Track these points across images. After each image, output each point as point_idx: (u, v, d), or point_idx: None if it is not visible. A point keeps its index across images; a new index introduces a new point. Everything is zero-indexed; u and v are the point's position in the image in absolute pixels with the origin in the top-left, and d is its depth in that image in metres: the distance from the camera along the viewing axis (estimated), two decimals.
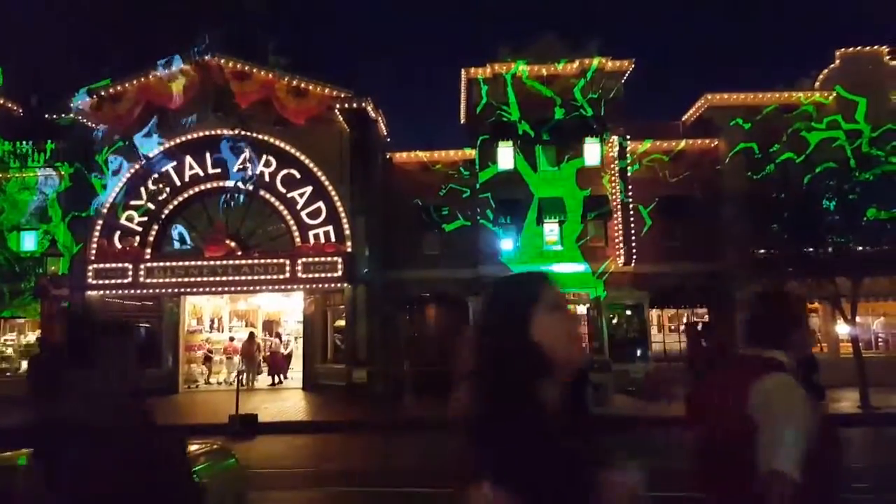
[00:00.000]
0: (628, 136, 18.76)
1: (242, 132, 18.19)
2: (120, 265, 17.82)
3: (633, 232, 18.60)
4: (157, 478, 2.07)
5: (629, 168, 18.74)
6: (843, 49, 19.10)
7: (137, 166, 18.31)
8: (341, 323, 18.67)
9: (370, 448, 11.92)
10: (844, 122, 17.82)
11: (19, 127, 19.33)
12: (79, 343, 2.22)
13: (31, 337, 19.59)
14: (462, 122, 22.54)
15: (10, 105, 19.42)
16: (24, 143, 18.89)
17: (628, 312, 18.21)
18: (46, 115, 18.05)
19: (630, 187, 18.66)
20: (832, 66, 19.32)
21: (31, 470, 4.00)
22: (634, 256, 18.53)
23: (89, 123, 18.28)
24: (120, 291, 18.01)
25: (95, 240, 18.03)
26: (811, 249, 17.00)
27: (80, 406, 2.04)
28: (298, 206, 18.16)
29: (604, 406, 13.66)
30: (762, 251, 18.28)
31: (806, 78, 19.63)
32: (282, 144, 18.26)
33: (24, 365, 19.35)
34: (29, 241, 18.95)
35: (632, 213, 18.64)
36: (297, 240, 18.14)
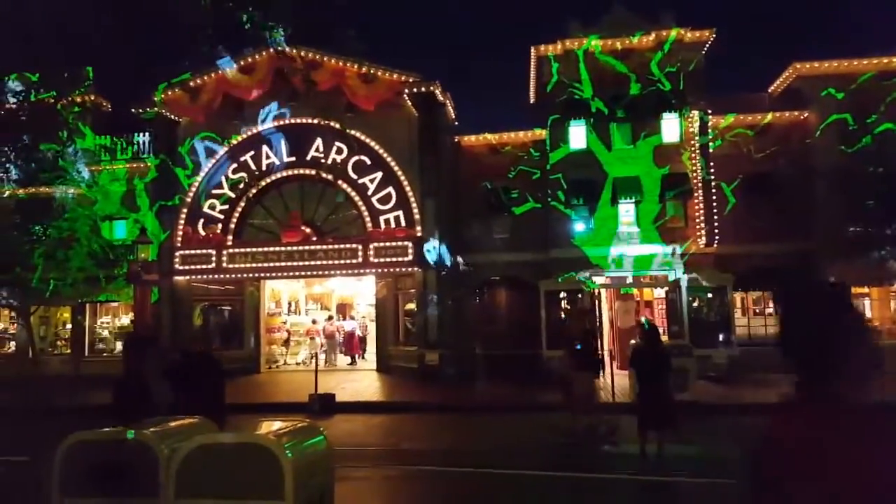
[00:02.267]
0: (710, 111, 17.82)
1: (313, 120, 18.53)
2: (204, 251, 18.61)
3: (715, 211, 17.74)
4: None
5: (711, 144, 17.84)
6: None
7: (218, 156, 19.00)
8: (412, 306, 18.85)
9: (445, 429, 12.00)
10: None
11: (109, 122, 20.44)
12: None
13: (125, 319, 20.86)
14: (531, 101, 22.07)
15: (100, 101, 20.51)
16: (113, 136, 19.97)
17: (710, 295, 17.42)
18: (132, 110, 18.97)
19: (712, 164, 17.78)
20: None
21: (140, 442, 4.21)
22: (717, 237, 17.69)
23: (172, 116, 19.09)
24: (204, 276, 18.84)
25: (181, 227, 18.89)
26: None
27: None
28: (369, 192, 18.36)
29: (685, 392, 13.15)
30: (856, 229, 17.13)
31: None
32: (352, 131, 18.46)
33: (119, 344, 20.67)
34: (120, 230, 20.09)
35: (714, 191, 17.77)
36: (369, 225, 18.37)
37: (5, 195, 18.80)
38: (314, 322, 21.39)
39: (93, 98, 19.58)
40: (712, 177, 17.80)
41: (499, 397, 14.96)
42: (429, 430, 11.91)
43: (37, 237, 17.78)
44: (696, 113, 17.68)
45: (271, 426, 4.77)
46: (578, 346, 10.42)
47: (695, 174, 17.75)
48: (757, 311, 19.17)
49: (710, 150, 17.87)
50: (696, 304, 17.53)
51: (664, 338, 16.75)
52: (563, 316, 17.51)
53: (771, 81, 19.44)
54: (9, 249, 17.14)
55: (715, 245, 17.74)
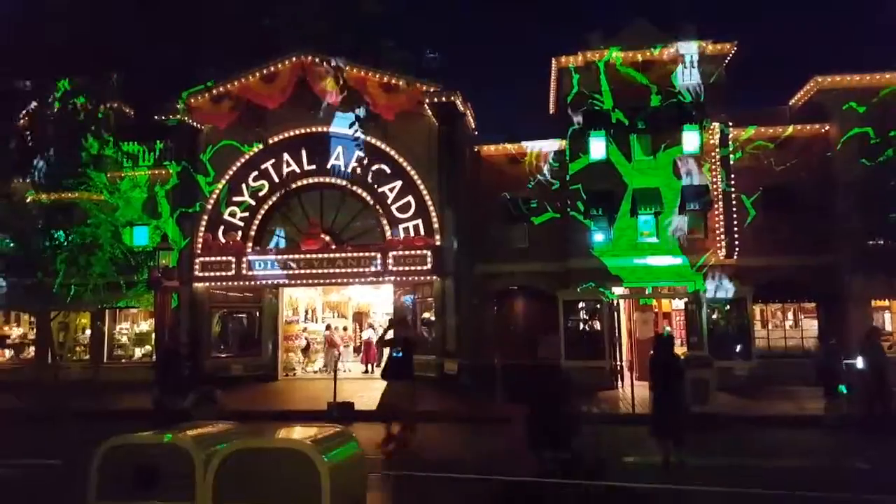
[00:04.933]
0: (730, 123, 17.84)
1: (334, 129, 18.66)
2: (224, 258, 18.73)
3: (735, 223, 17.71)
4: None
5: (731, 156, 17.84)
6: None
7: (238, 164, 19.15)
8: (428, 315, 18.88)
9: (467, 438, 12.03)
10: None
11: (131, 129, 20.62)
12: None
13: (144, 326, 20.97)
14: (551, 112, 22.15)
15: (122, 108, 20.72)
16: (135, 143, 20.16)
17: (729, 307, 17.35)
18: (155, 117, 19.15)
19: (732, 176, 17.77)
20: None
21: (176, 447, 4.22)
22: (737, 249, 17.65)
23: (194, 123, 19.28)
24: (224, 283, 18.93)
25: (201, 234, 19.03)
26: None
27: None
28: (389, 201, 18.45)
29: (705, 404, 13.08)
30: (876, 242, 17.07)
31: None
32: (372, 140, 18.54)
33: (138, 351, 20.81)
34: (140, 236, 20.23)
35: (734, 203, 17.75)
36: (388, 233, 18.44)
37: (28, 200, 19.02)
38: (328, 328, 21.41)
39: (116, 105, 19.77)
40: (733, 189, 17.78)
41: (515, 408, 14.89)
42: (451, 439, 11.90)
43: (59, 242, 17.94)
44: (716, 125, 17.70)
45: (305, 431, 4.78)
46: (396, 354, 10.42)
47: (715, 186, 17.74)
48: (776, 323, 19.07)
49: (731, 162, 17.85)
50: (715, 316, 17.45)
51: (682, 349, 16.79)
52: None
53: (792, 95, 19.44)
54: (31, 254, 17.31)
55: (735, 257, 17.69)
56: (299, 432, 4.72)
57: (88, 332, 20.79)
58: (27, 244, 17.45)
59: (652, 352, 10.18)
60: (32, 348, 21.01)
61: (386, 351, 11.31)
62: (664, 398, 8.96)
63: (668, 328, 15.17)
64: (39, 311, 18.77)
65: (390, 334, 10.90)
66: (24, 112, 17.02)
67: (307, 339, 21.21)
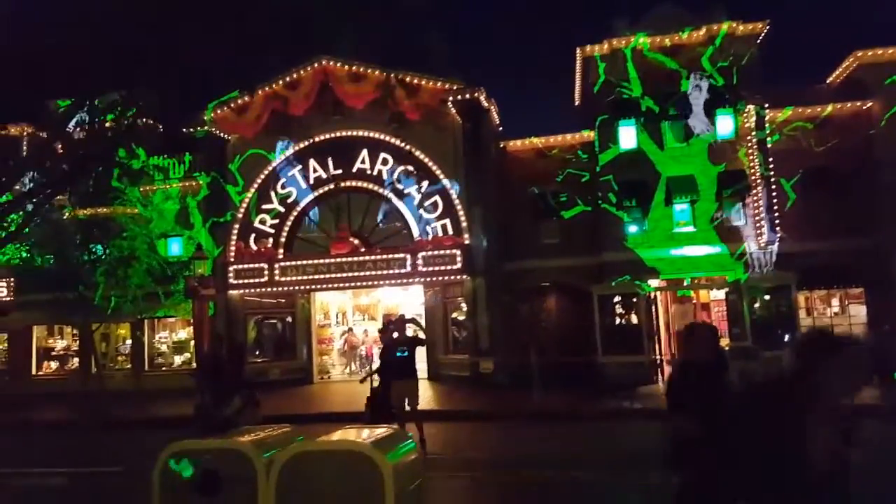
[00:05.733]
0: (766, 105, 17.19)
1: (359, 133, 18.67)
2: (256, 265, 18.89)
3: (775, 208, 17.08)
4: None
5: (768, 139, 17.20)
6: None
7: (266, 172, 19.29)
8: (458, 315, 18.73)
9: (507, 437, 11.80)
10: None
11: (161, 142, 20.95)
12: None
13: (182, 334, 21.34)
14: (577, 103, 21.73)
15: (152, 122, 21.05)
16: (165, 157, 20.48)
17: (772, 295, 16.73)
18: (183, 129, 19.41)
19: (770, 160, 17.13)
20: None
21: (237, 452, 4.14)
22: (778, 235, 17.02)
23: (221, 134, 19.48)
24: (257, 290, 19.11)
25: (233, 243, 19.23)
26: None
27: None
28: (416, 202, 18.34)
29: None
30: None
31: None
32: (397, 141, 18.50)
33: (178, 359, 21.19)
34: (175, 247, 20.57)
35: (773, 187, 17.11)
36: (416, 234, 18.34)
37: (65, 216, 19.49)
38: (349, 331, 21.41)
39: (146, 120, 20.09)
40: (771, 173, 17.14)
41: (556, 404, 14.66)
42: (492, 438, 11.75)
43: (97, 256, 18.34)
44: (751, 107, 17.07)
45: (362, 433, 4.70)
46: (401, 354, 10.31)
47: (753, 170, 17.13)
48: (821, 310, 18.35)
49: (768, 146, 17.21)
50: (757, 305, 16.87)
51: (724, 340, 16.26)
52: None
53: (830, 71, 18.65)
54: (71, 269, 17.72)
55: (776, 243, 17.06)
56: (357, 434, 4.64)
57: (129, 342, 21.26)
58: (67, 259, 17.86)
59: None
60: (76, 359, 21.60)
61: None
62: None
63: (702, 321, 14.72)
64: (82, 324, 19.23)
65: (395, 334, 10.80)
66: (58, 129, 17.37)
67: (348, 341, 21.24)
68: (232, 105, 18.80)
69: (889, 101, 16.85)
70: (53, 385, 20.20)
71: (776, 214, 17.14)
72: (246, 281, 19.05)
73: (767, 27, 17.25)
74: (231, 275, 19.09)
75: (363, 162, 18.73)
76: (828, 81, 18.78)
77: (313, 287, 19.13)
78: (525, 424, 12.66)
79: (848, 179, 17.02)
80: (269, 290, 19.10)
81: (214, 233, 19.40)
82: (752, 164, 17.18)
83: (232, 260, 19.20)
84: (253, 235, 19.34)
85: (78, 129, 16.32)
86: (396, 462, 3.96)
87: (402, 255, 17.98)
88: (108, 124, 12.58)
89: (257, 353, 20.05)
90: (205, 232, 19.50)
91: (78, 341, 21.45)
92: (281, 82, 18.51)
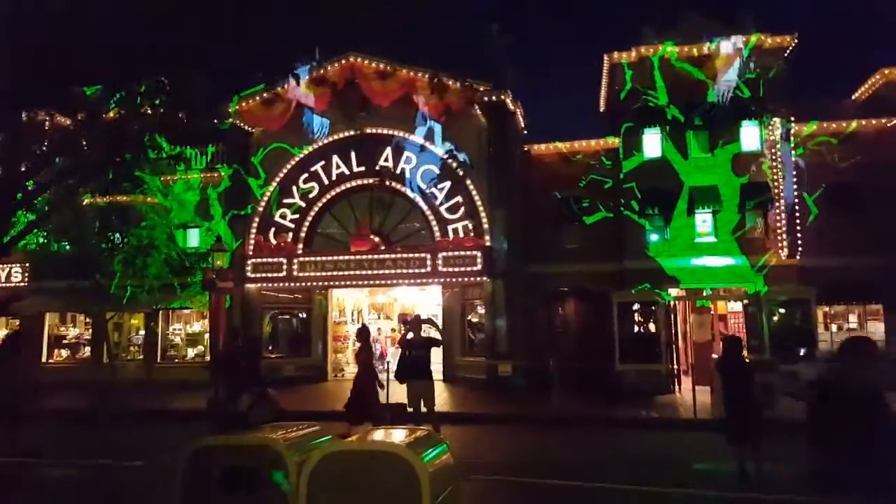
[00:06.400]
0: (792, 118, 17.24)
1: (383, 130, 18.66)
2: (275, 260, 18.86)
3: (798, 222, 17.10)
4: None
5: (793, 152, 17.24)
6: None
7: (289, 166, 19.27)
8: (475, 317, 18.69)
9: (525, 441, 11.74)
10: None
11: (184, 132, 20.87)
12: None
13: (197, 326, 21.26)
14: (602, 110, 21.77)
15: (175, 112, 21.00)
16: (188, 147, 20.42)
17: (791, 309, 16.73)
18: (207, 120, 19.34)
19: (794, 173, 17.17)
20: None
21: (269, 449, 4.08)
22: (800, 248, 17.04)
23: (245, 127, 19.46)
24: (275, 284, 19.06)
25: (253, 236, 19.21)
26: None
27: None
28: (438, 202, 18.34)
29: (771, 409, 12.60)
30: None
31: None
32: (421, 140, 18.50)
33: (191, 351, 21.09)
34: (193, 238, 20.52)
35: (797, 201, 17.14)
36: (437, 234, 18.33)
37: (85, 203, 19.43)
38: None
39: (168, 110, 20.05)
40: (795, 186, 17.17)
41: (574, 410, 14.62)
42: (510, 442, 11.69)
43: (116, 244, 18.28)
44: (777, 120, 17.13)
45: (391, 434, 4.64)
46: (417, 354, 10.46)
47: (776, 184, 17.17)
48: (840, 325, 18.35)
49: (793, 159, 17.26)
50: (776, 318, 16.87)
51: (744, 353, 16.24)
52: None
53: (856, 88, 18.71)
54: (89, 257, 17.66)
55: (797, 257, 17.09)
56: (390, 434, 4.58)
57: (142, 332, 21.17)
58: (85, 246, 17.80)
59: (722, 354, 9.83)
60: (87, 348, 21.49)
61: (396, 351, 11.42)
62: (737, 403, 8.59)
63: (732, 335, 14.74)
64: (96, 312, 19.15)
65: (411, 335, 10.80)
66: (82, 118, 17.34)
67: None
68: (257, 98, 18.79)
69: None
70: (63, 374, 20.06)
71: (798, 228, 17.16)
72: (264, 275, 19.02)
73: (795, 41, 17.31)
74: (249, 268, 19.06)
75: (386, 160, 18.73)
76: (853, 97, 18.84)
77: (332, 284, 19.09)
78: (542, 429, 12.62)
79: (870, 196, 17.05)
80: (286, 285, 19.06)
81: (234, 225, 19.37)
82: (775, 177, 17.21)
83: (251, 253, 19.17)
84: (273, 229, 19.32)
85: (108, 115, 16.30)
86: (432, 464, 3.89)
87: (422, 255, 17.96)
88: (143, 110, 12.51)
89: (270, 348, 19.98)
90: (224, 224, 19.46)
91: (91, 330, 21.33)
92: (307, 77, 18.51)
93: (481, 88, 17.78)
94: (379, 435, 4.78)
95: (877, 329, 17.85)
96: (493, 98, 17.84)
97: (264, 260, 18.96)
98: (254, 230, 19.22)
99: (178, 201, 19.79)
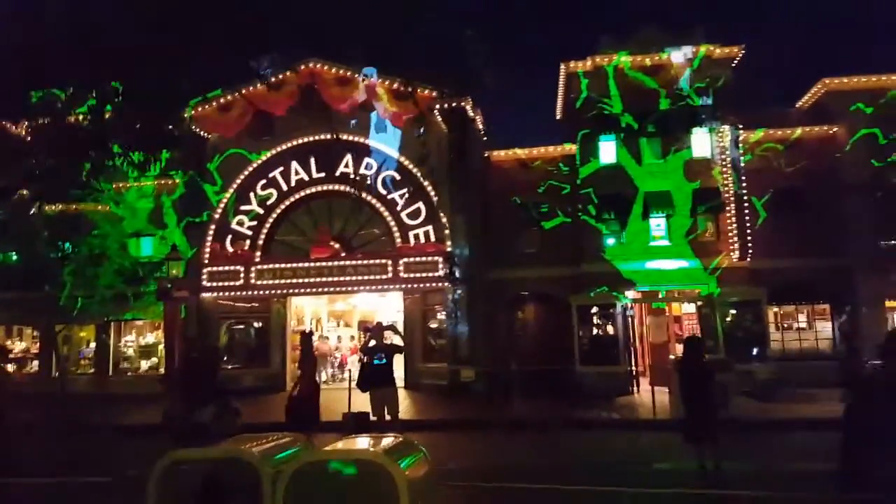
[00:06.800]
0: (740, 126, 17.88)
1: (344, 136, 18.58)
2: (232, 268, 18.51)
3: (747, 225, 17.69)
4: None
5: (742, 158, 17.87)
6: None
7: (246, 173, 18.99)
8: (437, 323, 18.71)
9: (489, 446, 11.75)
10: None
11: (137, 138, 20.38)
12: None
13: (150, 338, 20.66)
14: (558, 117, 22.15)
15: (129, 118, 20.49)
16: (141, 153, 19.91)
17: (743, 310, 17.28)
18: (162, 126, 18.94)
19: (743, 178, 17.78)
20: None
21: (241, 461, 4.00)
22: (750, 251, 17.63)
23: (201, 132, 19.10)
24: (232, 293, 18.69)
25: (209, 244, 18.82)
26: None
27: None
28: (398, 207, 18.33)
29: (727, 408, 12.94)
30: (888, 243, 17.10)
31: None
32: (382, 147, 18.49)
33: (144, 364, 20.47)
34: (146, 247, 19.98)
35: (746, 205, 17.75)
36: (398, 240, 18.30)
37: (33, 212, 18.72)
38: (318, 338, 21.13)
39: (122, 114, 19.56)
40: (744, 191, 17.78)
41: (537, 414, 14.74)
42: (475, 448, 11.67)
43: (66, 254, 17.66)
44: (726, 128, 17.74)
45: (367, 441, 4.60)
46: (379, 362, 10.43)
47: (726, 188, 17.75)
48: (790, 325, 19.01)
49: (741, 165, 17.88)
50: (729, 319, 17.39)
51: None
52: None
53: (799, 97, 19.52)
54: (38, 266, 17.02)
55: (748, 259, 17.67)
56: (365, 442, 4.54)
57: (93, 345, 20.45)
58: (34, 257, 17.15)
59: (682, 355, 10.06)
60: (36, 362, 20.64)
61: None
62: (696, 402, 8.80)
63: (693, 335, 15.12)
64: (45, 325, 18.44)
65: (373, 342, 10.78)
66: (31, 122, 16.80)
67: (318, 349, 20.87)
68: (213, 103, 18.49)
69: (853, 126, 17.74)
70: (11, 388, 19.18)
71: (748, 231, 17.76)
72: (220, 284, 18.64)
73: (742, 52, 17.99)
74: (205, 277, 18.65)
75: (347, 166, 18.64)
76: (797, 106, 19.66)
77: (291, 292, 18.82)
78: (506, 434, 12.63)
79: (816, 200, 17.78)
80: (244, 293, 18.71)
81: (189, 233, 18.96)
82: (725, 183, 17.80)
83: (207, 262, 18.77)
84: (230, 237, 18.97)
85: (50, 121, 15.79)
86: (410, 471, 3.86)
87: (384, 261, 17.91)
88: (81, 118, 12.20)
89: (225, 358, 19.53)
90: (179, 232, 19.03)
91: (38, 343, 20.51)
92: (266, 82, 18.32)
93: (441, 95, 17.90)
94: (355, 443, 4.72)
95: (824, 328, 18.59)
96: (453, 105, 17.97)
97: (221, 268, 18.59)
98: (210, 238, 18.84)
99: (130, 209, 19.26)
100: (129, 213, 19.29)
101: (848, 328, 17.21)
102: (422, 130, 16.41)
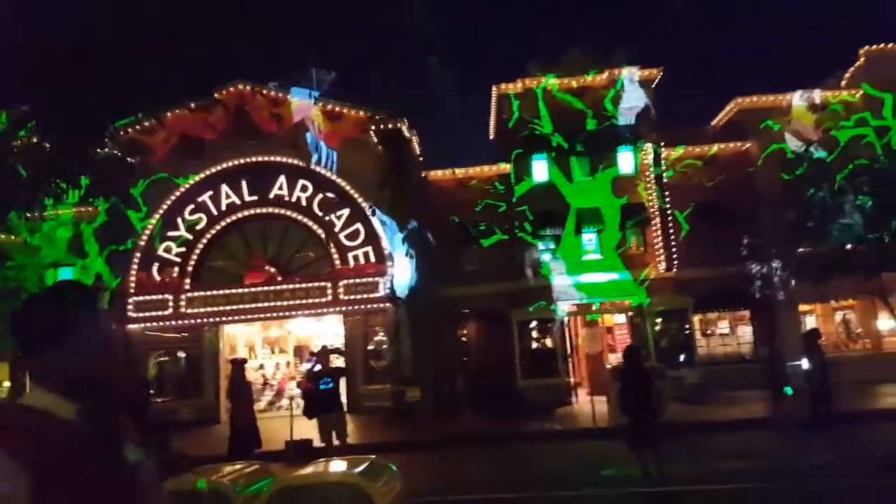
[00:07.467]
0: (662, 143, 18.85)
1: (276, 158, 18.26)
2: (160, 297, 17.71)
3: (672, 238, 18.60)
4: None
5: (664, 174, 18.81)
6: (867, 47, 19.29)
7: (174, 197, 18.28)
8: (378, 344, 18.56)
9: (439, 464, 11.75)
10: (872, 119, 18.02)
11: (51, 164, 19.25)
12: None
13: None
14: (491, 137, 22.62)
15: (40, 143, 19.33)
16: (56, 180, 18.79)
17: (671, 318, 18.13)
18: (80, 151, 18.01)
19: (666, 193, 18.72)
20: (857, 64, 19.51)
21: (215, 491, 3.91)
22: (675, 262, 18.52)
23: (124, 157, 18.28)
24: (161, 323, 17.86)
25: (134, 273, 17.94)
26: (849, 247, 17.08)
27: None
28: (336, 229, 18.13)
29: (662, 414, 13.49)
30: (802, 250, 18.33)
31: (832, 78, 19.84)
32: (317, 168, 18.27)
33: None
34: (67, 277, 18.79)
35: (670, 219, 18.66)
36: (337, 262, 18.07)
37: None
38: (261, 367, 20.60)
39: (34, 140, 18.43)
40: (668, 205, 18.70)
41: (483, 429, 14.83)
42: (428, 466, 11.61)
43: None
44: (649, 145, 18.65)
45: (340, 465, 4.58)
46: (325, 387, 10.52)
47: (651, 203, 18.63)
48: (714, 331, 20.00)
49: (664, 180, 18.82)
50: (658, 328, 18.17)
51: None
52: None
53: (715, 115, 20.79)
54: None
55: (674, 270, 18.54)
56: (339, 465, 4.51)
57: (6, 384, 18.96)
58: None
59: (623, 363, 10.43)
60: None
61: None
62: (637, 409, 9.08)
63: (631, 344, 15.73)
64: None
65: (318, 367, 10.67)
66: None
67: (264, 377, 20.25)
68: (138, 126, 17.76)
69: (765, 142, 19.00)
70: None
71: (673, 243, 18.67)
72: (148, 314, 17.80)
73: (661, 73, 19.03)
74: (131, 307, 17.76)
75: (281, 188, 18.29)
76: (713, 123, 20.92)
77: (224, 319, 18.18)
78: (456, 451, 12.66)
79: (734, 212, 18.86)
80: (173, 323, 17.92)
81: (112, 262, 18.03)
82: (650, 198, 18.69)
83: (132, 291, 17.87)
84: (156, 265, 18.16)
85: None
86: (385, 491, 3.93)
87: (322, 284, 17.64)
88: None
89: (152, 391, 18.57)
90: (101, 261, 18.05)
91: None
92: (193, 104, 17.79)
93: (376, 116, 17.94)
94: (329, 466, 4.70)
95: (745, 333, 19.71)
96: (389, 126, 18.04)
97: (148, 298, 17.75)
98: (135, 266, 17.97)
99: (47, 238, 18.09)
100: (46, 243, 18.11)
101: (767, 332, 18.31)
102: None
